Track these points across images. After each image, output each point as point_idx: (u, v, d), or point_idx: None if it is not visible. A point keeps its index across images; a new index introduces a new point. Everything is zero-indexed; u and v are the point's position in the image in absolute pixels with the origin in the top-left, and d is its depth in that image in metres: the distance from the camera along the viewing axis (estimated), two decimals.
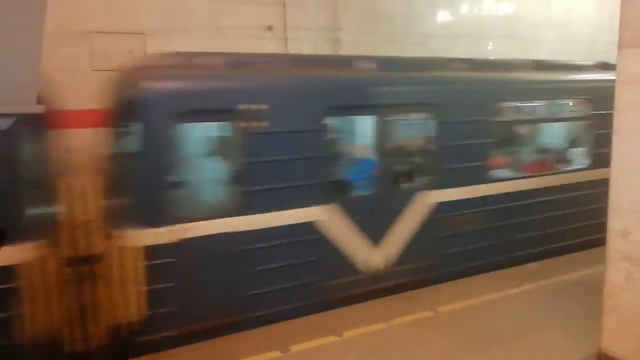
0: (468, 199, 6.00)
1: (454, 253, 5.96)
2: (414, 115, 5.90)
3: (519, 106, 6.65)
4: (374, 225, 5.48)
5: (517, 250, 6.42)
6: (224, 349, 4.53)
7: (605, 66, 7.07)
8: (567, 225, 6.70)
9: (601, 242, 3.79)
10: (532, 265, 6.35)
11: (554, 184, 6.65)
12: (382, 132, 5.53)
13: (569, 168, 6.98)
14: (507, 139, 6.64)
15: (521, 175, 6.57)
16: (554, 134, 7.18)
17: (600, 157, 6.30)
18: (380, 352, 4.36)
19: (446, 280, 5.83)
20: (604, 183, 3.66)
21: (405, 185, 5.77)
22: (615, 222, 3.52)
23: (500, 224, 6.26)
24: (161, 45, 6.28)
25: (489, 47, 9.79)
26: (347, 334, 4.69)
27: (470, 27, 9.47)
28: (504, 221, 6.28)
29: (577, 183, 6.76)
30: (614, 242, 3.54)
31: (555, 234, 6.66)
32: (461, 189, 5.95)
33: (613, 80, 3.40)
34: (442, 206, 5.82)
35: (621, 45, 3.30)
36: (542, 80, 6.83)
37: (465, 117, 5.89)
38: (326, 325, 4.87)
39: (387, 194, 5.58)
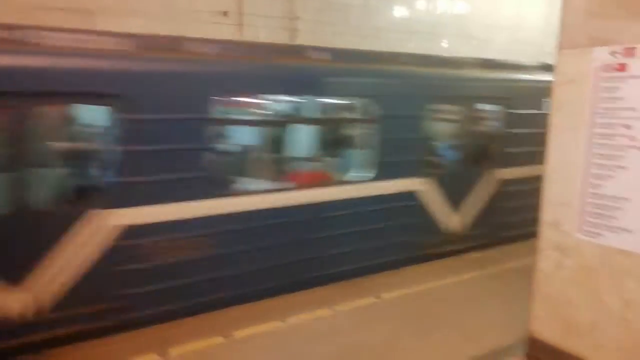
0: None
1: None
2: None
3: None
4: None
5: None
6: (167, 333, 4.47)
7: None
8: None
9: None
10: (474, 255, 6.65)
11: None
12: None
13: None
14: None
15: None
16: None
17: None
18: (323, 337, 4.43)
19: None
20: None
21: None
22: (547, 214, 3.72)
23: None
24: (111, 26, 6.04)
25: (444, 45, 10.06)
26: (291, 320, 4.73)
27: (425, 25, 9.70)
28: None
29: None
30: (545, 232, 3.74)
31: None
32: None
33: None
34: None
35: (559, 47, 3.49)
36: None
37: None
38: (270, 311, 4.89)
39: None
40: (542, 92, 5.99)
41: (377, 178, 5.81)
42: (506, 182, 6.97)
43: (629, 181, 3.15)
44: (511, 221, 7.04)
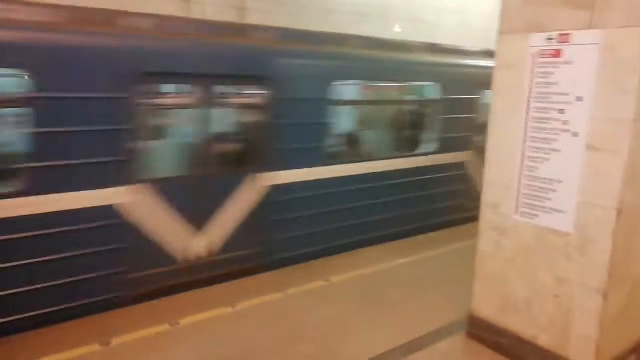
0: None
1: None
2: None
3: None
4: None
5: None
6: (110, 322, 4.33)
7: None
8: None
9: None
10: (420, 237, 6.80)
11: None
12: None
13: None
14: None
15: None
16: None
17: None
18: (273, 320, 4.42)
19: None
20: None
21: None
22: (488, 196, 3.84)
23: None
24: None
25: (397, 30, 10.08)
26: (240, 305, 4.69)
27: (376, 8, 9.67)
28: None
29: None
30: (486, 214, 3.87)
31: None
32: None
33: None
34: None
35: (499, 32, 3.56)
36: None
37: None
38: (219, 298, 4.83)
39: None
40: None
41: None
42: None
43: (562, 164, 3.29)
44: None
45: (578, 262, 3.29)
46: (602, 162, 3.08)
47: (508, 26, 3.50)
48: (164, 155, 5.22)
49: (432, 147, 7.01)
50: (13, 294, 4.12)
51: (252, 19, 7.64)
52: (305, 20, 7.96)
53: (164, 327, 4.27)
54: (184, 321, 4.37)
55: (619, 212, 3.08)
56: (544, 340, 3.56)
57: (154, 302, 4.72)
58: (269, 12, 7.78)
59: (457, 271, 5.22)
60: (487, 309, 3.96)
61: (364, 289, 5.13)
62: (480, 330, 4.00)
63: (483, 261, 3.95)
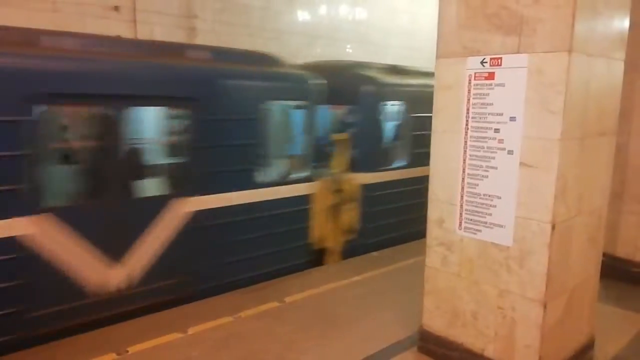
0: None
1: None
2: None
3: None
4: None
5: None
6: (47, 353, 4.11)
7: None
8: None
9: None
10: (373, 254, 6.90)
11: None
12: None
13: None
14: None
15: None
16: None
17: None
18: (225, 345, 4.33)
19: None
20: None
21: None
22: (433, 212, 3.96)
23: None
24: None
25: (348, 50, 10.34)
26: (192, 330, 4.57)
27: (327, 30, 9.90)
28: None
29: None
30: (432, 230, 3.98)
31: None
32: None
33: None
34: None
35: (437, 55, 3.73)
36: None
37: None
38: (170, 323, 4.69)
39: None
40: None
41: None
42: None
43: (500, 180, 3.44)
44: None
45: (518, 275, 3.43)
46: (535, 178, 3.25)
47: (445, 50, 3.67)
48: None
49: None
50: None
51: (202, 39, 7.64)
52: (258, 42, 8.03)
53: (111, 356, 4.10)
54: (133, 349, 4.22)
55: (553, 226, 3.24)
56: (491, 351, 3.66)
57: (98, 330, 4.52)
58: (219, 32, 7.81)
59: (409, 287, 5.31)
60: (436, 323, 4.04)
61: (318, 308, 5.12)
62: (430, 344, 4.07)
63: (431, 276, 4.05)
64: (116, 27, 6.74)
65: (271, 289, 5.59)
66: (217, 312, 4.93)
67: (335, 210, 6.69)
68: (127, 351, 4.18)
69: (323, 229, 6.54)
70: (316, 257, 6.57)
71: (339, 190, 6.70)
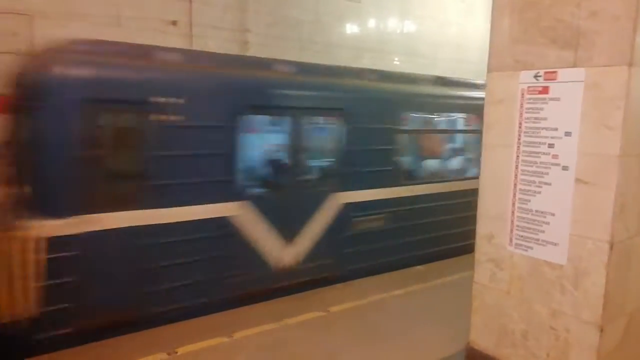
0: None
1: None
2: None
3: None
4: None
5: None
6: (107, 351, 4.32)
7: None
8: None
9: None
10: (419, 267, 6.80)
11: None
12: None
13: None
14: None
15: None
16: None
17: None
18: (269, 352, 4.41)
19: None
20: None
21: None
22: (482, 228, 3.88)
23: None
24: (51, 30, 5.87)
25: (396, 62, 10.35)
26: (237, 335, 4.68)
27: (375, 42, 9.95)
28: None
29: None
30: (481, 245, 3.90)
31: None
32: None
33: None
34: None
35: (489, 69, 3.68)
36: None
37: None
38: (216, 327, 4.82)
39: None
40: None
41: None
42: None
43: (553, 197, 3.34)
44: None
45: (572, 295, 3.31)
46: (592, 195, 3.14)
47: (497, 64, 3.62)
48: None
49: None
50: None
51: (253, 53, 7.88)
52: (307, 55, 8.18)
53: (162, 356, 4.26)
54: (182, 350, 4.37)
55: (611, 245, 3.11)
56: None
57: (153, 330, 4.72)
58: (270, 46, 8.02)
59: (454, 303, 5.20)
60: (484, 341, 3.94)
61: (362, 320, 5.11)
62: None
63: (479, 293, 3.96)
64: (174, 41, 7.07)
65: (315, 298, 5.63)
66: (261, 319, 5.02)
67: None
68: (177, 352, 4.34)
69: None
70: None
71: None
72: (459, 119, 7.84)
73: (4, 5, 6.03)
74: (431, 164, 7.65)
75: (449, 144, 8.02)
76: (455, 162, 7.92)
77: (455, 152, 8.01)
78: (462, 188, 7.24)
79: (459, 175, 7.64)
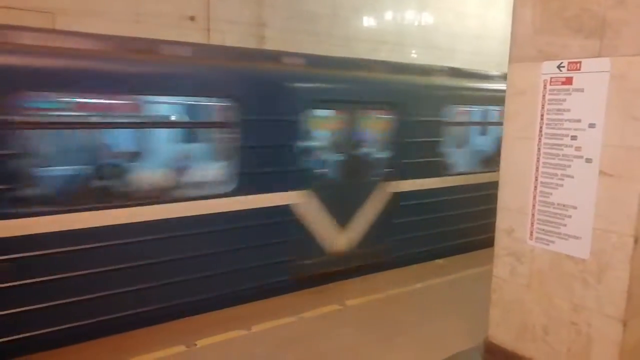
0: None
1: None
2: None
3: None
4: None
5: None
6: (128, 343, 4.39)
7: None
8: None
9: None
10: (438, 261, 6.77)
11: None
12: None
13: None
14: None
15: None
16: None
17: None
18: (288, 344, 4.43)
19: None
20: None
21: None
22: (502, 221, 3.84)
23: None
24: (72, 27, 5.95)
25: (413, 55, 10.26)
26: (255, 328, 4.72)
27: (393, 35, 9.87)
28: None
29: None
30: (501, 239, 3.86)
31: None
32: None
33: None
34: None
35: (510, 60, 3.62)
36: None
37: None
38: (234, 319, 4.87)
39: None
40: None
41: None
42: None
43: (576, 190, 3.29)
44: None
45: (595, 289, 3.25)
46: (617, 188, 3.08)
47: (519, 54, 3.56)
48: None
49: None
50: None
51: (270, 46, 7.89)
52: (325, 48, 8.16)
53: (180, 348, 4.32)
54: (201, 342, 4.42)
55: (636, 239, 3.05)
56: None
57: (171, 323, 4.78)
58: (287, 40, 8.02)
59: (472, 297, 5.18)
60: (503, 335, 3.91)
61: (379, 313, 5.11)
62: (496, 357, 3.94)
63: (499, 287, 3.92)
64: (192, 36, 7.12)
65: (332, 292, 5.65)
66: (279, 312, 5.05)
67: None
68: (196, 344, 4.39)
69: None
70: None
71: None
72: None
73: (30, 4, 6.15)
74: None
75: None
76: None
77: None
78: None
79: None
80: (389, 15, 9.87)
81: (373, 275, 6.23)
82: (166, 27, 7.02)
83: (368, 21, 9.56)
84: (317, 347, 4.39)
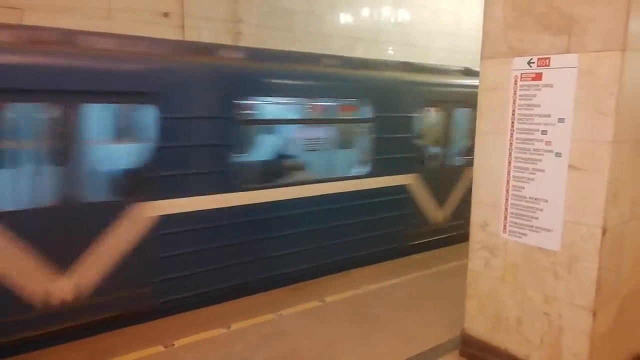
0: None
1: None
2: None
3: None
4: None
5: None
6: (105, 344, 4.33)
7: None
8: None
9: None
10: (415, 256, 6.84)
11: None
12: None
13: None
14: None
15: None
16: None
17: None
18: (266, 341, 4.42)
19: None
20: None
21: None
22: (476, 215, 3.90)
23: None
24: (41, 22, 5.80)
25: (390, 52, 10.31)
26: (235, 326, 4.69)
27: (369, 32, 9.90)
28: None
29: None
30: (475, 233, 3.92)
31: None
32: None
33: None
34: None
35: (482, 56, 3.68)
36: None
37: None
38: (213, 318, 4.83)
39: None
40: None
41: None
42: None
43: (547, 183, 3.36)
44: None
45: (566, 281, 3.34)
46: (585, 181, 3.16)
47: (490, 50, 3.62)
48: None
49: None
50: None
51: (246, 43, 7.82)
52: (301, 45, 8.14)
53: (158, 349, 4.27)
54: (179, 342, 4.38)
55: (604, 231, 3.14)
56: (536, 359, 3.57)
57: (149, 323, 4.72)
58: (262, 36, 7.97)
59: (449, 290, 5.25)
60: (479, 327, 3.98)
61: (358, 309, 5.14)
62: (473, 349, 4.01)
63: (474, 280, 3.99)
64: (165, 32, 7.01)
65: (312, 288, 5.65)
66: (258, 310, 5.03)
67: None
68: (174, 344, 4.35)
69: None
70: None
71: None
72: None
73: None
74: None
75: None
76: None
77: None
78: None
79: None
80: (365, 12, 9.90)
81: (352, 271, 6.26)
82: (139, 24, 6.91)
83: (344, 18, 9.57)
84: (297, 344, 4.39)
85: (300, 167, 6.46)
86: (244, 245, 5.36)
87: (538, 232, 3.46)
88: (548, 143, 3.31)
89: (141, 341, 4.37)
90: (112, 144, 5.38)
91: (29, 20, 6.18)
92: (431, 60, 9.00)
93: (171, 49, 5.12)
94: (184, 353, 4.22)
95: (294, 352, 4.26)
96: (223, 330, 4.61)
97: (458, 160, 7.59)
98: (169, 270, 4.88)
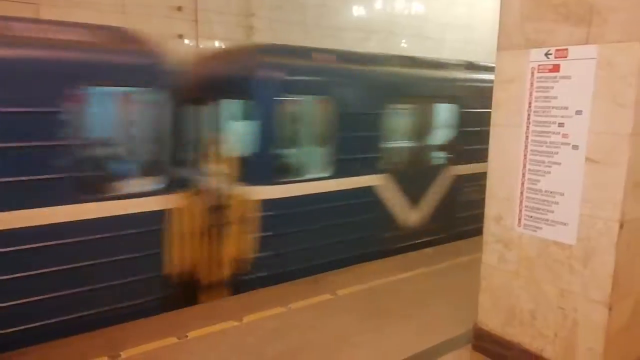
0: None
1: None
2: None
3: None
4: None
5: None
6: (119, 335, 4.39)
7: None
8: None
9: None
10: (427, 250, 6.82)
11: None
12: None
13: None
14: None
15: None
16: None
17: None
18: (279, 335, 4.45)
19: None
20: None
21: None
22: (491, 209, 3.87)
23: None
24: (57, 17, 5.86)
25: (403, 45, 10.23)
26: (247, 318, 4.73)
27: (383, 25, 9.83)
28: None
29: None
30: (489, 226, 3.89)
31: None
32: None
33: None
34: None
35: (499, 48, 3.63)
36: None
37: None
38: (226, 311, 4.87)
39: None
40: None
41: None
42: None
43: (563, 176, 3.32)
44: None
45: (581, 275, 3.30)
46: (603, 174, 3.11)
47: (506, 42, 3.57)
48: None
49: None
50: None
51: (259, 37, 7.83)
52: (314, 38, 8.12)
53: (172, 340, 4.31)
54: (192, 334, 4.42)
55: (621, 225, 3.09)
56: (550, 353, 3.55)
57: (163, 315, 4.78)
58: (275, 30, 7.96)
59: (460, 285, 5.23)
60: (492, 321, 3.96)
61: (370, 302, 5.14)
62: (485, 343, 4.00)
63: (487, 273, 3.97)
64: (179, 27, 7.04)
65: (323, 282, 5.66)
66: (270, 303, 5.05)
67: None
68: (187, 336, 4.39)
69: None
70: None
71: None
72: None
73: None
74: None
75: None
76: None
77: None
78: None
79: None
80: (378, 5, 9.83)
81: (365, 264, 6.26)
82: (153, 18, 6.94)
83: (357, 10, 9.51)
84: (307, 337, 4.41)
85: None
86: None
87: (553, 225, 3.42)
88: (565, 136, 3.26)
89: (155, 332, 4.42)
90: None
91: (45, 15, 6.25)
92: (445, 52, 8.92)
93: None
94: (197, 344, 4.26)
95: (306, 345, 4.27)
96: (236, 323, 4.64)
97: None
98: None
